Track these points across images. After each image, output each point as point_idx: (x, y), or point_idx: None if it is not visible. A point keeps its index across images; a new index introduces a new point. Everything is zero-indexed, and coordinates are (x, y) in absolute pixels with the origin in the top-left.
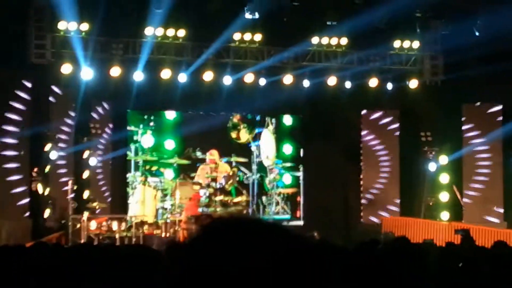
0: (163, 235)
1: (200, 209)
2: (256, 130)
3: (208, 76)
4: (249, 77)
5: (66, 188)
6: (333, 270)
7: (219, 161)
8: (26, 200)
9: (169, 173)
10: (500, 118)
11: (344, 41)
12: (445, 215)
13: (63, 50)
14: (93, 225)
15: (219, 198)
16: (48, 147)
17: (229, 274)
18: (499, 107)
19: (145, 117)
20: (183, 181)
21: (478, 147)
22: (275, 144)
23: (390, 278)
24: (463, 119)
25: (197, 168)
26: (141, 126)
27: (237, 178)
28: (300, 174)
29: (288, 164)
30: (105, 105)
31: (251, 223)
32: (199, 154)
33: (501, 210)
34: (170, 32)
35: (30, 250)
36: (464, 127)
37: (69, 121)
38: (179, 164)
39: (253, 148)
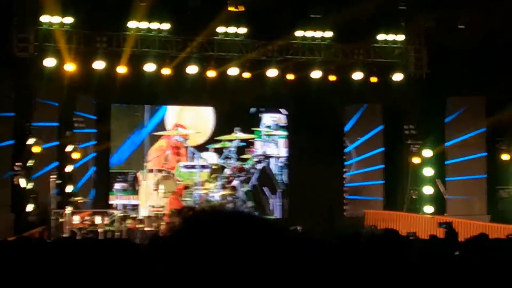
0: (146, 229)
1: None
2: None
3: (192, 69)
4: (233, 71)
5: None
6: (315, 262)
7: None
8: (8, 195)
9: None
10: (484, 111)
11: (328, 34)
12: (428, 209)
13: (46, 43)
14: (76, 219)
15: (201, 192)
16: (30, 141)
17: (211, 266)
18: (484, 100)
19: None
20: (166, 175)
21: (462, 140)
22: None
23: (374, 270)
24: (446, 112)
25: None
26: None
27: (220, 173)
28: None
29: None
30: (89, 99)
31: (232, 215)
32: None
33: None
34: (154, 25)
35: (12, 244)
36: (447, 120)
37: (52, 115)
38: None
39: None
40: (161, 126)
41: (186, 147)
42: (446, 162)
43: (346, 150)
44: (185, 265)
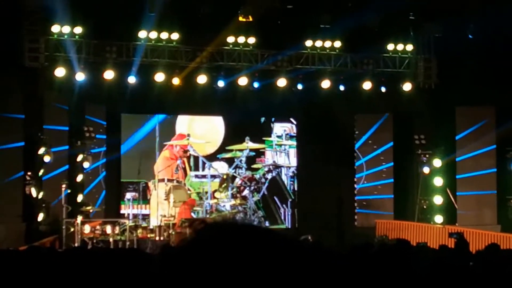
0: (157, 238)
1: (193, 213)
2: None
3: (201, 79)
4: (242, 80)
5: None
6: (327, 274)
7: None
8: (20, 204)
9: None
10: (494, 121)
11: (337, 44)
12: (439, 219)
13: (57, 53)
14: (87, 228)
15: (212, 201)
16: (41, 150)
17: (223, 278)
18: (493, 110)
19: None
20: (177, 184)
21: (472, 149)
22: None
23: (386, 280)
24: (456, 122)
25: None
26: None
27: (230, 182)
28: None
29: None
30: (99, 109)
31: (244, 227)
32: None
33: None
34: (164, 35)
35: (23, 254)
36: (457, 130)
37: (62, 125)
38: None
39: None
40: (172, 135)
41: (195, 157)
42: (457, 175)
43: (357, 163)
44: (197, 277)
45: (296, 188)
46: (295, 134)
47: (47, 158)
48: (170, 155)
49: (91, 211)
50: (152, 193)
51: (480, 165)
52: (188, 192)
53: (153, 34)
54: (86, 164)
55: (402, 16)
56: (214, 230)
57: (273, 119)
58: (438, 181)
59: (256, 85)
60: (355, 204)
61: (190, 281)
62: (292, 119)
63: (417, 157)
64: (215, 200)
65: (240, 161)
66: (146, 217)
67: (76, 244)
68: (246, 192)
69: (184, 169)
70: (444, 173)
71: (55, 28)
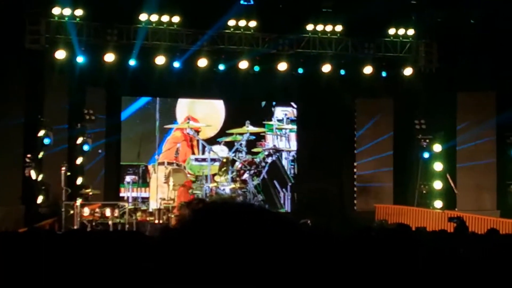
0: (156, 221)
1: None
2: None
3: (202, 62)
4: (243, 64)
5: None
6: (325, 256)
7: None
8: (19, 186)
9: None
10: (495, 106)
11: (339, 28)
12: (438, 203)
13: (58, 35)
14: (86, 211)
15: (212, 185)
16: (41, 133)
17: (220, 258)
18: (494, 95)
19: None
20: (177, 168)
21: (472, 135)
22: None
23: (385, 264)
24: (457, 107)
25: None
26: None
27: (230, 166)
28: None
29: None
30: (99, 91)
31: (243, 208)
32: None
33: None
34: (165, 18)
35: (23, 236)
36: (458, 115)
37: (63, 107)
38: None
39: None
40: (172, 118)
41: (197, 140)
42: (457, 160)
43: (358, 151)
44: (194, 257)
45: (296, 172)
46: (295, 118)
47: (46, 140)
48: (181, 137)
49: (90, 193)
50: (152, 176)
51: (481, 150)
52: (188, 175)
53: (154, 17)
54: (85, 147)
55: (403, 0)
56: (213, 209)
57: (274, 103)
58: (438, 166)
59: (256, 69)
60: (355, 189)
61: (190, 261)
62: (292, 103)
63: (417, 142)
64: (215, 184)
65: (240, 144)
66: (145, 200)
67: (75, 227)
68: (246, 176)
69: (193, 151)
70: (444, 158)
71: (56, 10)
